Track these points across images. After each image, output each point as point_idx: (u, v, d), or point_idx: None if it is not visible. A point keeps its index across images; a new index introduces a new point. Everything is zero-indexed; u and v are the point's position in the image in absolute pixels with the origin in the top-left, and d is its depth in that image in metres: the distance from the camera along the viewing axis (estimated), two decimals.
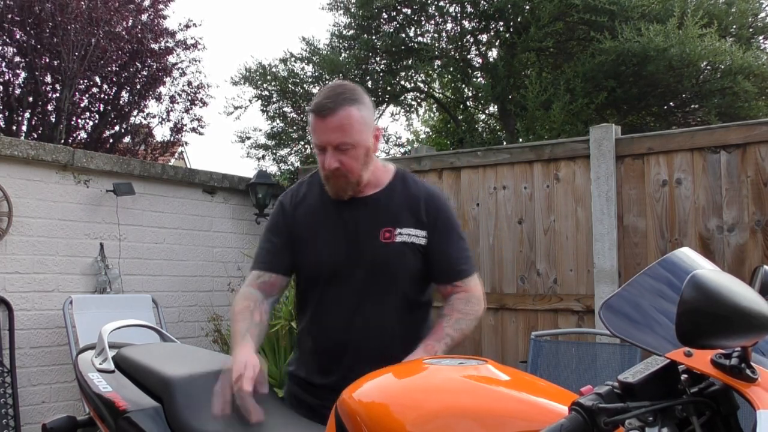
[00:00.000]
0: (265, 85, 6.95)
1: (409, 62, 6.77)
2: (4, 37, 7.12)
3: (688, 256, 1.11)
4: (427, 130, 9.26)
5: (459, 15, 6.61)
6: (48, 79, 7.26)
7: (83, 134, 7.88)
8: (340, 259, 1.84)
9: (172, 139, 8.62)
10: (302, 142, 7.17)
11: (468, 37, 6.65)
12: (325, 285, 1.87)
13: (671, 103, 6.59)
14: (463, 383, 1.24)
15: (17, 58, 7.20)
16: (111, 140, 7.96)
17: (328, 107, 1.76)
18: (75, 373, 2.19)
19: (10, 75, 7.26)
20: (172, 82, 8.29)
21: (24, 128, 7.31)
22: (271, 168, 7.04)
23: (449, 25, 6.84)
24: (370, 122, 1.84)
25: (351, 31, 6.83)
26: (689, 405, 0.99)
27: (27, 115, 7.35)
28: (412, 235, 1.85)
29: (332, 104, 1.76)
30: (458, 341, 1.76)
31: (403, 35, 6.73)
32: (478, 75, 6.89)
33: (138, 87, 7.89)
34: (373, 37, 6.75)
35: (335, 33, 6.89)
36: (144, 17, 7.98)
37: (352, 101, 1.79)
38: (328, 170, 1.79)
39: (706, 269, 0.99)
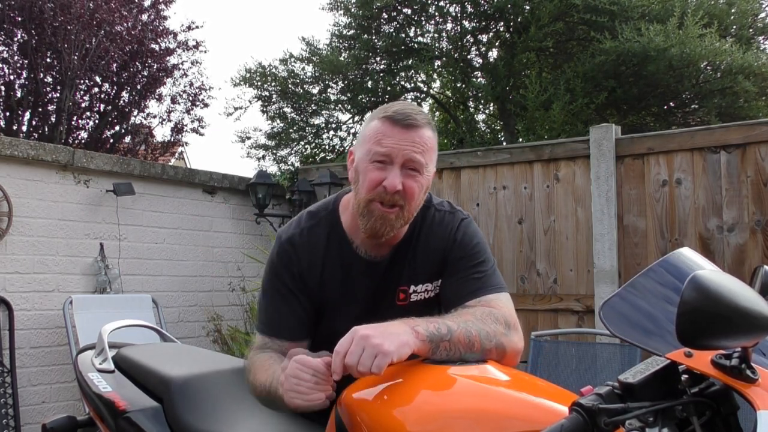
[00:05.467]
0: (265, 86, 6.95)
1: (409, 62, 6.77)
2: (5, 38, 7.12)
3: (688, 256, 1.11)
4: None
5: (459, 15, 6.61)
6: (48, 79, 7.26)
7: (84, 134, 7.89)
8: (354, 323, 1.35)
9: (172, 140, 8.63)
10: (302, 142, 7.18)
11: (468, 37, 6.65)
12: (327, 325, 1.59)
13: (671, 103, 6.59)
14: (464, 383, 1.24)
15: (16, 57, 7.20)
16: (111, 140, 7.96)
17: (413, 118, 1.47)
18: (75, 373, 2.19)
19: (11, 75, 7.26)
20: (173, 83, 8.30)
21: (24, 128, 7.31)
22: (271, 168, 7.05)
23: (449, 25, 6.85)
24: (435, 159, 1.56)
25: (351, 31, 6.83)
26: (689, 405, 0.99)
27: (27, 115, 7.35)
28: (429, 290, 1.60)
29: (419, 117, 1.48)
30: (461, 341, 1.33)
31: (403, 35, 6.73)
32: (478, 75, 6.90)
33: (138, 87, 7.89)
34: (373, 37, 6.76)
35: (335, 33, 6.90)
36: (144, 17, 7.99)
37: (433, 127, 1.53)
38: (390, 191, 1.44)
39: (706, 270, 0.99)
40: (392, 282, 1.58)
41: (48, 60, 7.14)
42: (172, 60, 8.17)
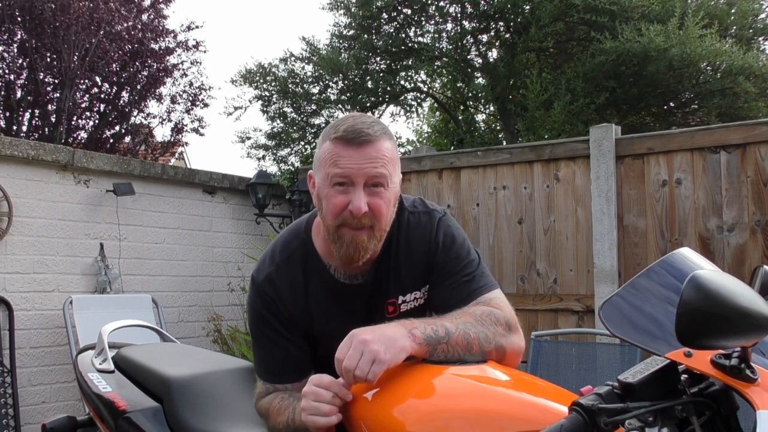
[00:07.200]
0: (265, 86, 6.95)
1: (409, 62, 6.77)
2: (5, 38, 7.12)
3: (688, 256, 1.10)
4: (428, 129, 9.27)
5: (459, 15, 6.61)
6: (48, 79, 7.26)
7: (84, 134, 7.89)
8: None
9: (172, 140, 8.62)
10: (302, 143, 7.18)
11: (468, 37, 6.65)
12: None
13: (671, 104, 6.60)
14: (464, 384, 1.24)
15: (17, 58, 7.20)
16: (111, 140, 7.96)
17: (366, 133, 1.39)
18: (75, 373, 2.19)
19: (11, 75, 7.26)
20: (173, 82, 8.30)
21: (24, 128, 7.31)
22: (271, 168, 7.05)
23: (449, 25, 6.85)
24: (399, 166, 1.49)
25: (351, 31, 6.83)
26: (689, 405, 0.99)
27: (27, 115, 7.35)
28: (418, 298, 1.55)
29: (372, 130, 1.40)
30: (459, 344, 1.31)
31: (403, 35, 6.73)
32: (478, 75, 6.90)
33: (138, 87, 7.89)
34: (373, 37, 6.76)
35: (335, 33, 6.90)
36: (144, 17, 7.99)
37: (389, 135, 1.45)
38: (356, 215, 1.38)
39: (706, 269, 0.99)
40: (380, 297, 1.53)
41: (48, 60, 7.14)
42: (172, 60, 8.17)
